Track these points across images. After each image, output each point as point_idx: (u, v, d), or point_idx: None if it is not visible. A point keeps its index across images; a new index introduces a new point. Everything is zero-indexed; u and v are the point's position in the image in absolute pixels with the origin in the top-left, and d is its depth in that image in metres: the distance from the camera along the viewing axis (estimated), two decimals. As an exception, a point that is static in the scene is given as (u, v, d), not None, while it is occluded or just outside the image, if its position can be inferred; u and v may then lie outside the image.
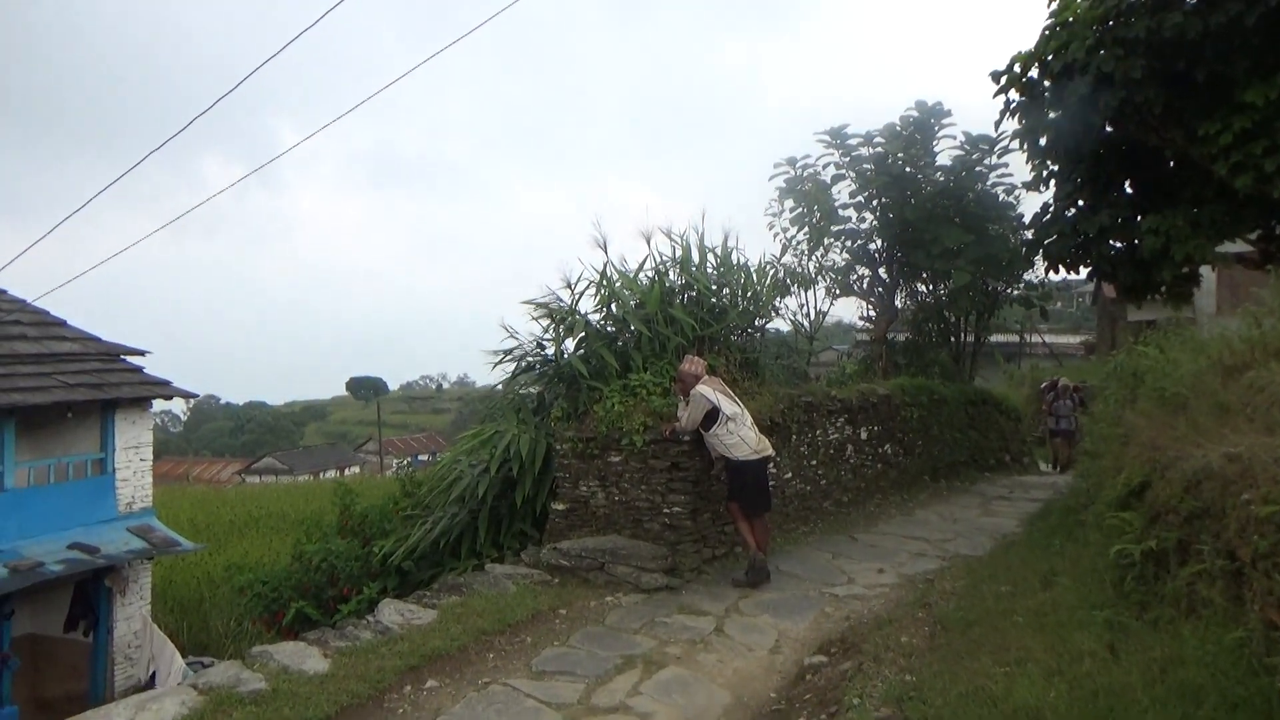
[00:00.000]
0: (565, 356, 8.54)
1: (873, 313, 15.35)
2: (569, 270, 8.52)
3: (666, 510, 7.40)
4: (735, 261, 9.34)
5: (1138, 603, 4.30)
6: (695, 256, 9.01)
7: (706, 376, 7.35)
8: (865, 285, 15.26)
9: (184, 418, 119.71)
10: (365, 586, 8.36)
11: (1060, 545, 6.62)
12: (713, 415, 7.10)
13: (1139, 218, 11.22)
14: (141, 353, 11.86)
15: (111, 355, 11.48)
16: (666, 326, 8.39)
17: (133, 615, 10.82)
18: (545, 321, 8.66)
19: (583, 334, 8.48)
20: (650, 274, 8.79)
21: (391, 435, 72.55)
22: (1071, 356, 39.81)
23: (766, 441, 7.32)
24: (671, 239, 8.91)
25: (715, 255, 9.18)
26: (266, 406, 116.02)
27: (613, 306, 8.61)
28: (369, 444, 69.99)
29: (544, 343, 8.81)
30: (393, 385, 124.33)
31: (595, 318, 8.73)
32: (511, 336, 8.98)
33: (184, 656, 10.55)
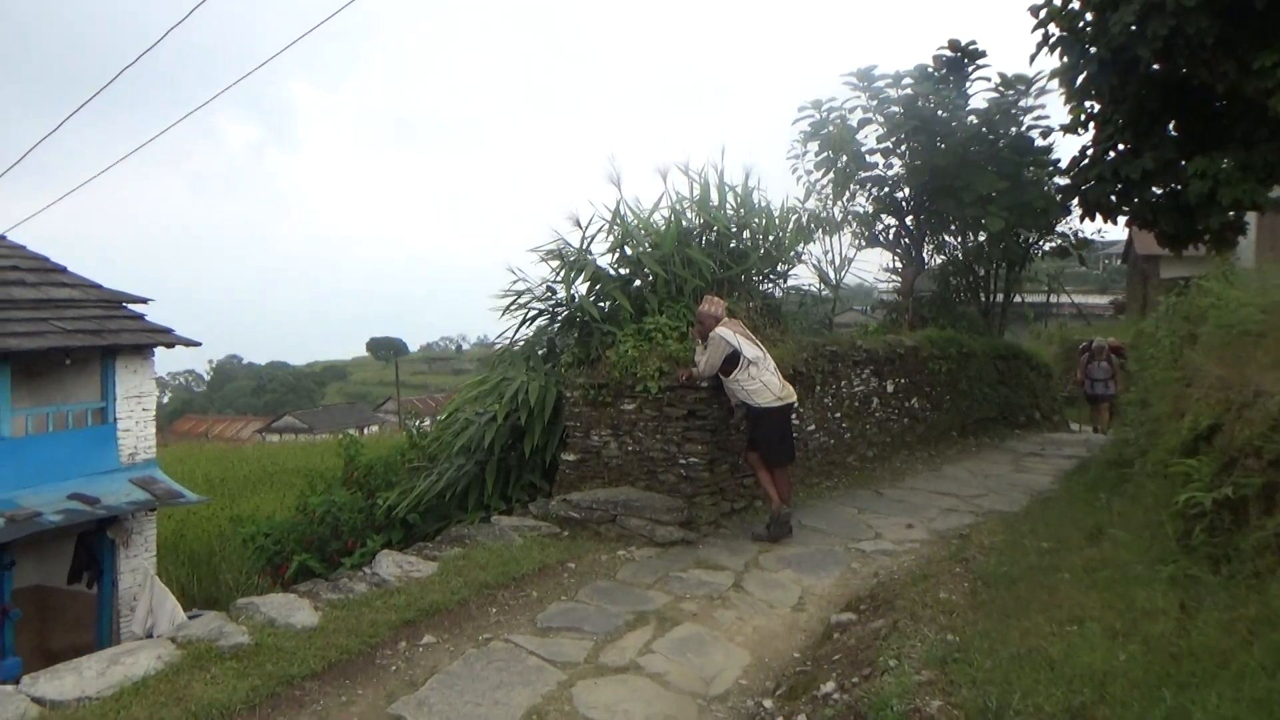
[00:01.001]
0: (576, 300, 8.08)
1: (899, 264, 14.77)
2: (579, 211, 8.04)
3: (683, 461, 6.98)
4: (756, 203, 8.82)
5: (1208, 557, 3.84)
6: (714, 196, 8.49)
7: (727, 319, 6.88)
8: (891, 236, 14.67)
9: (207, 377, 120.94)
10: (369, 539, 8.05)
11: (1106, 500, 6.15)
12: (733, 359, 6.65)
13: (1184, 161, 10.59)
14: (144, 300, 11.52)
15: (112, 303, 11.15)
16: (684, 268, 7.92)
17: (137, 568, 10.60)
18: (555, 263, 8.20)
19: (594, 276, 8.01)
20: (666, 214, 8.29)
21: (411, 395, 72.65)
22: (1099, 316, 38.91)
23: (790, 388, 6.87)
24: (689, 176, 8.40)
25: (735, 195, 8.65)
26: (288, 367, 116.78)
27: (626, 248, 8.13)
28: (388, 404, 70.16)
29: (553, 286, 8.36)
30: (413, 346, 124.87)
31: (607, 260, 8.27)
32: (520, 280, 8.53)
33: (192, 610, 10.32)
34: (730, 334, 6.69)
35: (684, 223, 8.12)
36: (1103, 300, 41.62)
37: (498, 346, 9.17)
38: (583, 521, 6.82)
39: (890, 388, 10.56)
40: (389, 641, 4.70)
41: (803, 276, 13.26)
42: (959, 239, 15.05)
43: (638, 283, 8.10)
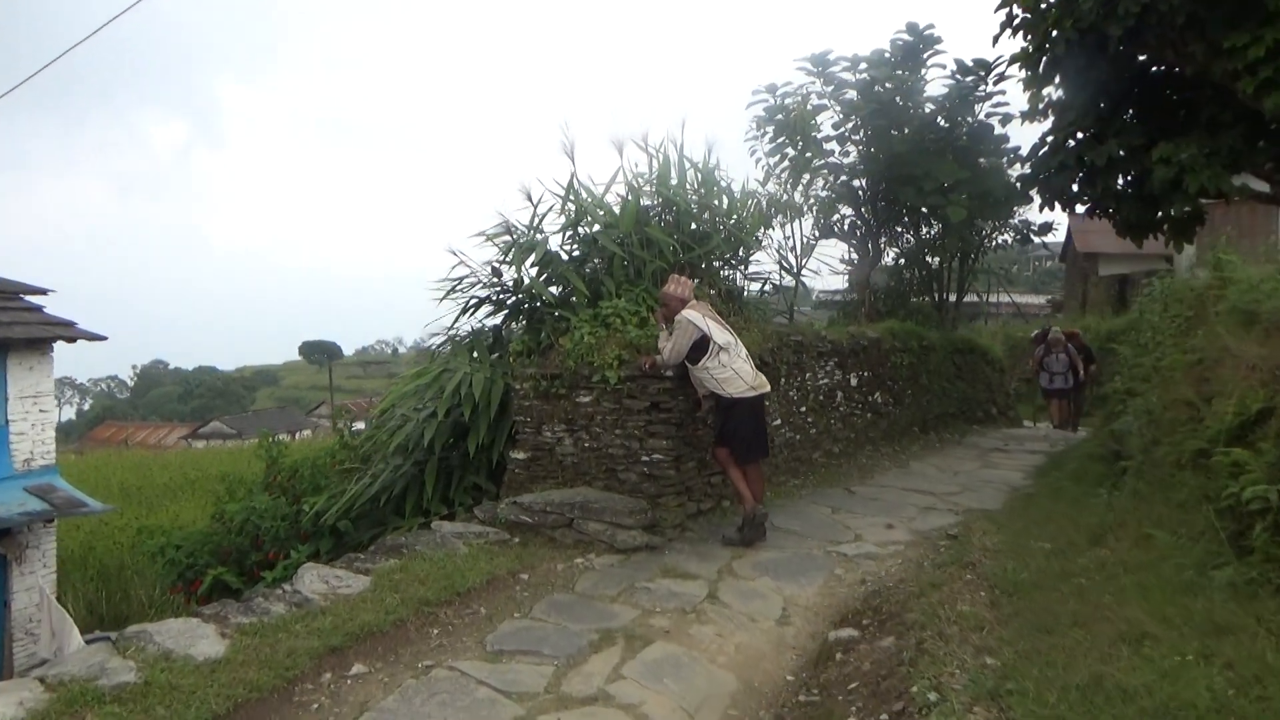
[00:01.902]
0: (525, 283, 7.38)
1: (854, 256, 14.35)
2: (529, 186, 7.32)
3: (645, 458, 6.33)
4: (719, 182, 8.22)
5: (1272, 559, 3.33)
6: (674, 173, 7.85)
7: (694, 301, 6.25)
8: (846, 226, 14.23)
9: (131, 383, 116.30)
10: (294, 550, 7.22)
11: (1107, 496, 5.68)
12: (702, 345, 6.02)
13: (1149, 148, 10.33)
14: (43, 291, 10.42)
15: (6, 293, 10.05)
16: (642, 249, 7.27)
17: (33, 586, 9.53)
18: (502, 242, 7.47)
19: (545, 259, 7.31)
20: (622, 191, 7.63)
21: (346, 399, 70.66)
22: (1036, 315, 39.43)
23: (763, 377, 6.26)
24: (648, 150, 7.75)
25: (697, 173, 8.04)
26: (217, 371, 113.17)
27: (582, 227, 7.45)
28: (321, 408, 68.14)
29: (500, 268, 7.62)
30: (348, 350, 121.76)
31: (559, 241, 7.58)
32: (461, 263, 7.79)
33: (98, 630, 9.32)
34: (698, 317, 6.07)
35: (642, 200, 7.47)
36: (1039, 300, 42.23)
37: (433, 339, 8.39)
38: (535, 526, 6.11)
39: (854, 381, 10.06)
40: (310, 674, 3.95)
41: (763, 264, 12.65)
42: (913, 230, 14.70)
43: (591, 265, 7.42)
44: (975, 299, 22.68)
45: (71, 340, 10.02)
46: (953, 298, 15.40)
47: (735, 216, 8.33)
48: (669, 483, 6.30)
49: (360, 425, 9.62)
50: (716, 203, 8.19)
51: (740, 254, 8.61)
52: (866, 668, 3.33)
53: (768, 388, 6.25)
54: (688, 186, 7.96)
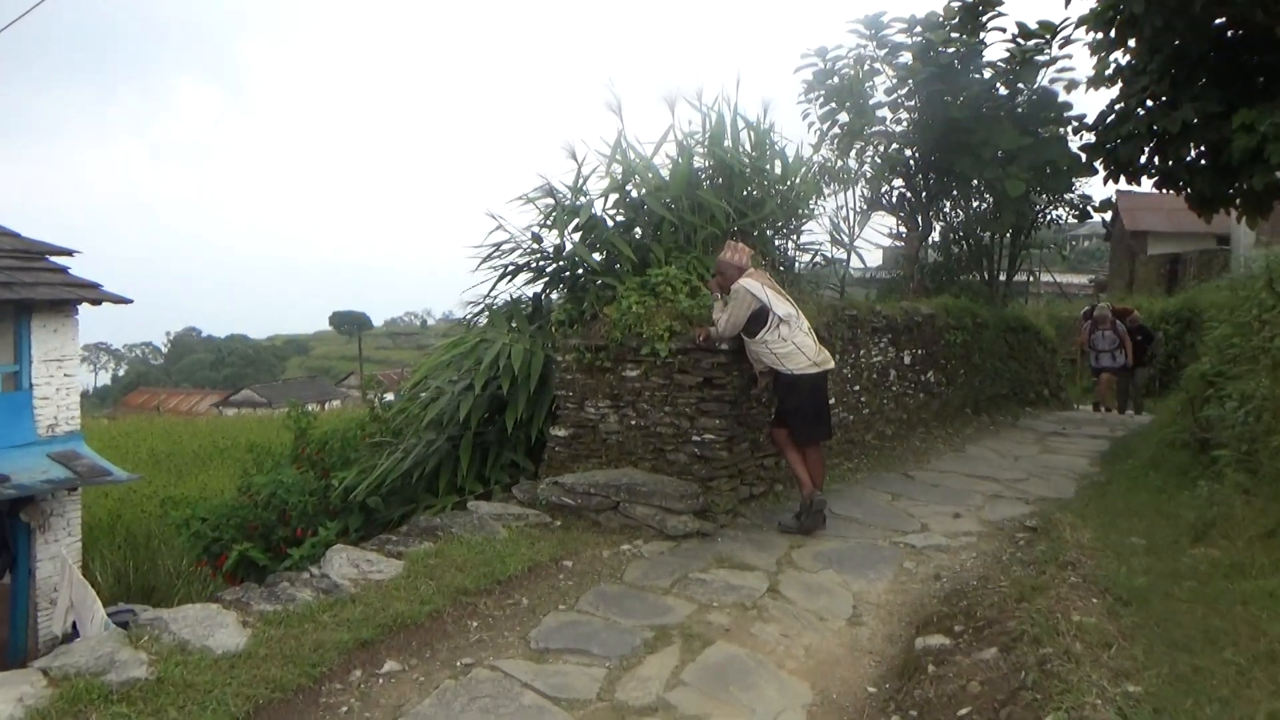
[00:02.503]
0: (568, 249, 6.93)
1: (903, 230, 13.74)
2: (573, 144, 6.85)
3: (696, 438, 5.89)
4: (772, 145, 7.70)
5: None
6: (727, 134, 7.33)
7: (752, 269, 5.78)
8: (895, 199, 13.61)
9: (165, 350, 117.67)
10: (321, 526, 6.88)
11: (1208, 490, 5.16)
12: (760, 317, 5.55)
13: (1228, 116, 9.66)
14: (68, 252, 10.13)
15: (32, 254, 9.75)
16: (693, 214, 6.79)
17: (57, 555, 9.31)
18: (545, 205, 7.02)
19: (589, 223, 6.84)
20: (673, 152, 7.13)
21: (374, 370, 70.92)
22: (1078, 295, 38.46)
23: (826, 352, 5.79)
24: (701, 108, 7.23)
25: (751, 133, 7.51)
26: (248, 340, 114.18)
27: (629, 188, 6.97)
28: (351, 378, 68.37)
29: (540, 233, 7.18)
30: (377, 321, 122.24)
31: (604, 204, 7.11)
32: (500, 228, 7.35)
33: (117, 606, 9.07)
34: (757, 286, 5.59)
35: (694, 162, 6.97)
36: (1081, 279, 41.17)
37: (466, 308, 7.95)
38: (578, 509, 5.70)
39: (907, 359, 9.55)
40: (339, 671, 3.58)
41: (814, 234, 12.14)
42: (963, 203, 14.05)
43: (639, 230, 6.95)
44: (1022, 278, 21.93)
45: (96, 303, 9.72)
46: (1003, 275, 14.77)
47: (789, 182, 7.82)
48: (721, 465, 5.86)
49: (390, 397, 9.27)
50: (768, 167, 7.68)
51: (793, 223, 8.10)
52: (975, 688, 2.88)
53: (831, 364, 5.77)
54: (742, 148, 7.44)
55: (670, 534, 5.43)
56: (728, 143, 7.22)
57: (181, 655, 3.52)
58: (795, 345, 5.59)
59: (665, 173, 7.19)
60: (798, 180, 7.95)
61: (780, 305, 5.61)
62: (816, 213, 8.88)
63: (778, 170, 7.78)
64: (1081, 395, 16.10)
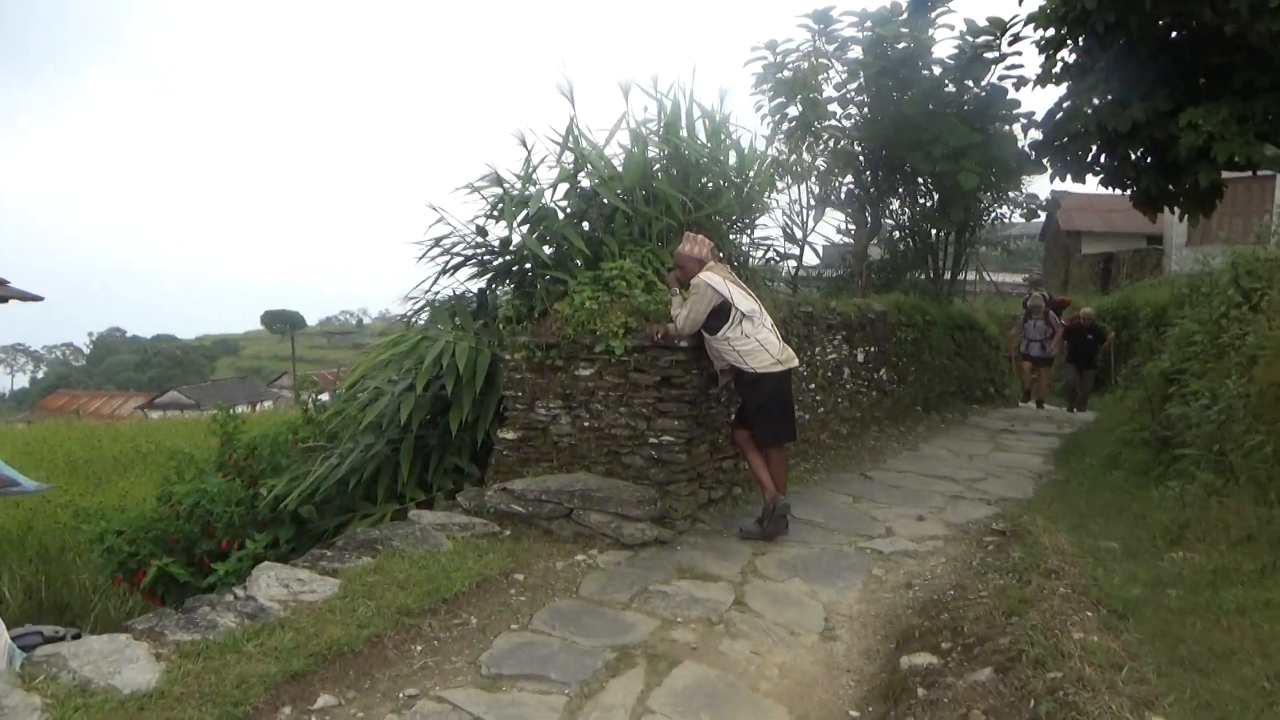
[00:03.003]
0: (516, 241, 6.56)
1: (852, 226, 13.65)
2: (523, 132, 6.48)
3: (654, 439, 5.58)
4: (729, 135, 7.44)
5: None
6: (683, 122, 7.04)
7: (713, 262, 5.49)
8: (843, 195, 13.50)
9: (87, 350, 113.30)
10: (249, 539, 6.39)
11: (1179, 490, 5.03)
12: (722, 312, 5.27)
13: (1175, 114, 9.73)
14: (-30, 245, 9.44)
15: (-71, 247, 9.06)
16: (648, 205, 6.49)
17: (-42, 572, 8.60)
18: (491, 194, 6.63)
19: (540, 214, 6.48)
20: (626, 142, 6.81)
21: (309, 370, 69.28)
22: (1012, 294, 39.16)
23: (790, 350, 5.53)
24: (656, 96, 6.91)
25: (708, 123, 7.23)
26: (175, 340, 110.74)
27: (580, 178, 6.62)
28: (283, 379, 66.62)
29: (485, 225, 6.80)
30: (311, 320, 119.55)
31: (554, 195, 6.75)
32: (442, 220, 6.94)
33: (24, 628, 8.38)
34: (719, 280, 5.31)
35: (649, 151, 6.66)
36: (1016, 279, 41.90)
37: (405, 305, 7.54)
38: (528, 517, 5.35)
39: (861, 357, 9.38)
40: (266, 709, 3.18)
41: (767, 228, 12.01)
42: (910, 200, 14.03)
43: (588, 224, 6.61)
44: (971, 276, 22.12)
45: (3, 300, 9.01)
46: (948, 274, 14.79)
47: (745, 174, 7.56)
48: (680, 468, 5.56)
49: (325, 397, 8.77)
50: (724, 158, 7.41)
51: (748, 217, 7.85)
52: (978, 718, 2.62)
53: (795, 362, 5.52)
54: (697, 140, 7.16)
55: (627, 542, 5.12)
56: (684, 132, 6.92)
57: (82, 697, 3.08)
58: (758, 342, 5.32)
59: (617, 163, 6.88)
60: (753, 173, 7.70)
61: (743, 301, 5.33)
62: (771, 207, 8.64)
63: (733, 161, 7.52)
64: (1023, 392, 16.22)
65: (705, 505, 5.89)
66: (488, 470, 6.14)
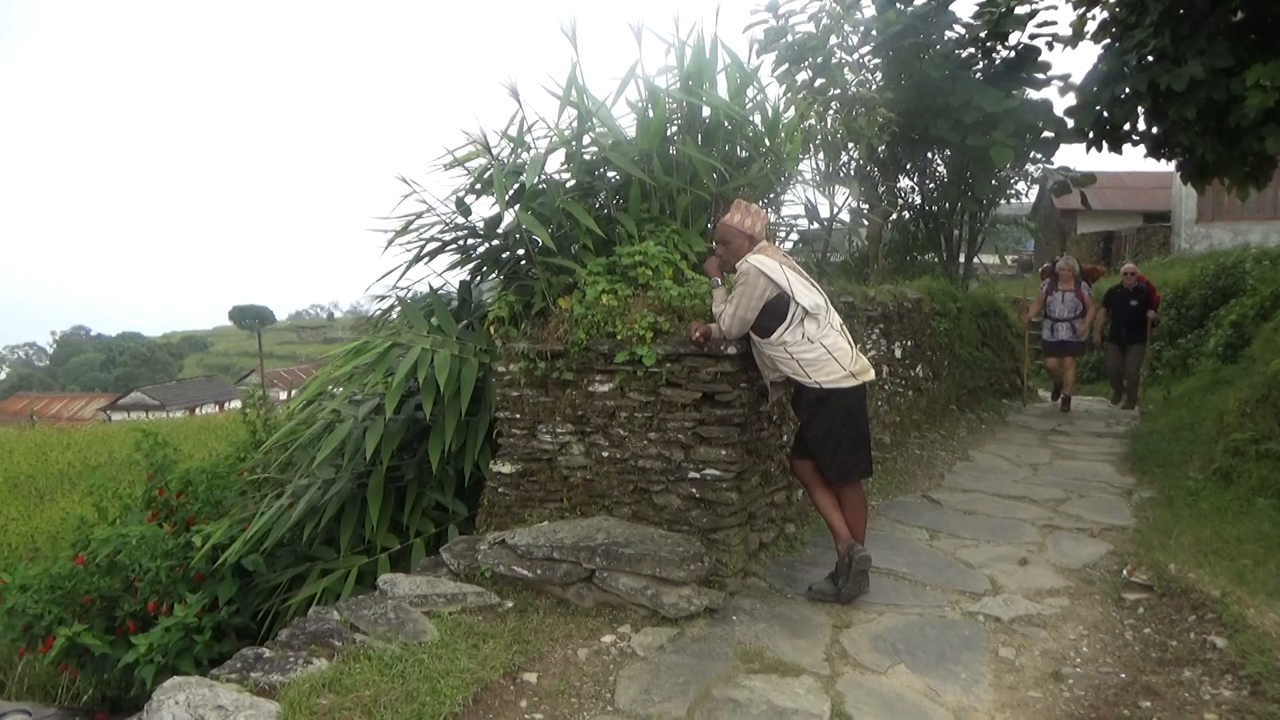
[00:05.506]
0: (508, 220, 5.28)
1: (865, 205, 12.43)
2: (516, 83, 5.16)
3: (694, 474, 4.33)
4: (762, 91, 6.19)
5: None
6: (705, 75, 5.76)
7: (765, 242, 4.25)
8: (852, 170, 12.27)
9: (50, 350, 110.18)
10: (178, 601, 5.09)
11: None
12: (778, 307, 4.02)
13: (1237, 72, 8.64)
14: None
15: None
16: (668, 175, 5.22)
17: None
18: (477, 165, 5.34)
19: (538, 184, 5.19)
20: (640, 95, 5.53)
21: (278, 367, 67.52)
22: (1001, 277, 38.32)
23: (864, 358, 4.29)
24: (677, 43, 5.62)
25: (736, 76, 5.96)
26: (142, 338, 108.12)
27: (585, 140, 5.34)
28: (251, 376, 64.77)
29: (466, 201, 5.49)
30: (281, 314, 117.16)
31: (553, 162, 5.47)
32: (417, 197, 5.64)
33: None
34: (774, 266, 4.06)
35: (667, 110, 5.38)
36: (1007, 260, 40.99)
37: (375, 301, 6.30)
38: (537, 582, 4.09)
39: (898, 352, 8.20)
40: None
41: (793, 205, 10.77)
42: (924, 175, 12.86)
43: (599, 199, 5.35)
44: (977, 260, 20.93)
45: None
46: (963, 256, 13.65)
47: (773, 140, 6.30)
48: (729, 509, 4.32)
49: (285, 396, 7.45)
50: (755, 120, 6.16)
51: (778, 190, 6.61)
52: None
53: (871, 374, 4.26)
54: (722, 93, 5.89)
55: (668, 614, 3.88)
56: (709, 86, 5.65)
57: None
58: (825, 348, 4.08)
59: (625, 124, 5.62)
60: (783, 138, 6.45)
61: (805, 293, 4.09)
62: (803, 178, 7.41)
63: (762, 125, 6.26)
64: (1046, 383, 15.05)
65: (756, 551, 4.66)
66: (479, 512, 4.87)
